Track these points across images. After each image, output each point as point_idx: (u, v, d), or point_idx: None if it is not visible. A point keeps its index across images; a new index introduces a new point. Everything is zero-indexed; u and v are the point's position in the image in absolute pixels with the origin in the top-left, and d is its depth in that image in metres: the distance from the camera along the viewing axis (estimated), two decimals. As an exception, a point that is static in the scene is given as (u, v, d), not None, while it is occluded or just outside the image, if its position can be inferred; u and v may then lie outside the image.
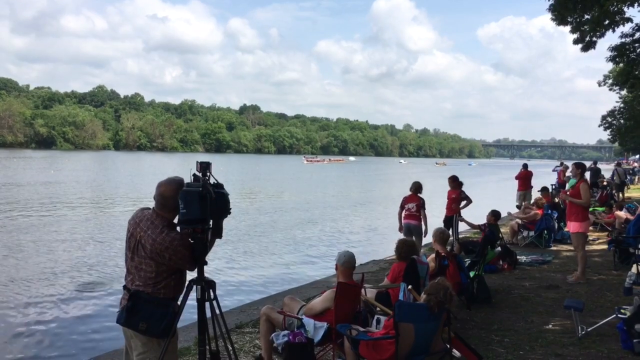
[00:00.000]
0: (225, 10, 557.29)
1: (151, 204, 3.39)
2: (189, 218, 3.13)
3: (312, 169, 71.73)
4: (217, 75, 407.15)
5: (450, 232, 10.66)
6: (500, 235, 10.92)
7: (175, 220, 3.32)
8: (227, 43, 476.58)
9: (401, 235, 9.21)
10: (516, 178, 18.18)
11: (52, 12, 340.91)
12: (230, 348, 3.49)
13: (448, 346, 4.22)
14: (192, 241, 3.24)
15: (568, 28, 14.06)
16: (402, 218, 9.87)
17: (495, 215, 10.69)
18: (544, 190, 15.08)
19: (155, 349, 3.24)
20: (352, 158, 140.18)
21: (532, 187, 17.89)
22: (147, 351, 3.27)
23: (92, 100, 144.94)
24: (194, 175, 3.20)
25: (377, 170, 79.96)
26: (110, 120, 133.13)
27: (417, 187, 9.99)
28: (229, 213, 3.31)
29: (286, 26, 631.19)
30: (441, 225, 9.79)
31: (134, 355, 3.36)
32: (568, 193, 9.15)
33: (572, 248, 10.54)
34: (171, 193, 3.25)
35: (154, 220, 3.25)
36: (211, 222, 3.25)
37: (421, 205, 9.75)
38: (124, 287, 3.37)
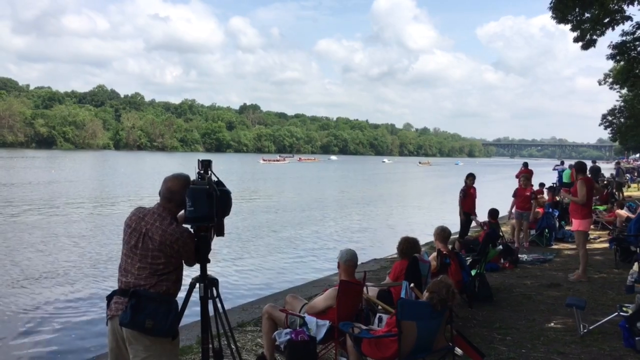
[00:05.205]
0: (227, 9, 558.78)
1: (151, 203, 3.39)
2: (197, 215, 3.14)
3: (267, 170, 60.82)
4: (218, 75, 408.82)
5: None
6: (500, 233, 10.93)
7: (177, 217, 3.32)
8: (228, 42, 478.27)
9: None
10: (517, 177, 18.17)
11: (54, 11, 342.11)
12: (234, 346, 3.49)
13: (450, 344, 4.21)
14: (195, 239, 3.24)
15: (568, 26, 14.08)
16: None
17: (492, 214, 10.68)
18: (550, 189, 15.40)
19: (159, 352, 3.12)
20: (333, 157, 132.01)
21: (532, 185, 17.89)
22: (150, 355, 3.10)
23: (93, 99, 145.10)
24: (199, 173, 3.21)
25: (345, 170, 69.42)
26: (110, 119, 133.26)
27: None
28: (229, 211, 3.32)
29: (287, 25, 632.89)
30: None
31: None
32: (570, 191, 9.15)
33: (573, 246, 10.56)
34: (178, 188, 3.24)
35: (161, 213, 3.23)
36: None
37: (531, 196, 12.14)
38: (117, 291, 3.21)
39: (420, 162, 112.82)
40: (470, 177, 11.59)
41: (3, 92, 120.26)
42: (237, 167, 62.79)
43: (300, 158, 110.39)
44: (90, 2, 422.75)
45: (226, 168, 54.95)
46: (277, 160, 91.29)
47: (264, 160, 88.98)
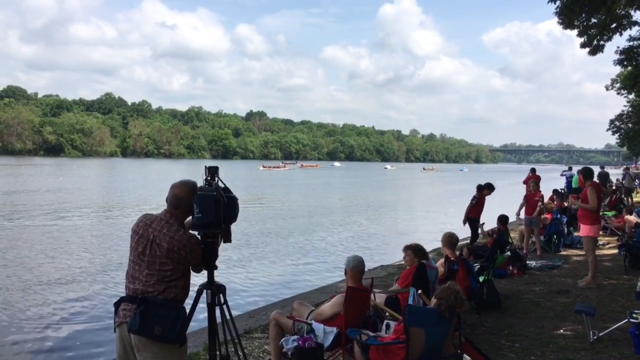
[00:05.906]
0: (233, 17, 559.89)
1: (158, 210, 3.39)
2: (205, 222, 3.14)
3: (266, 177, 59.03)
4: (224, 82, 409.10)
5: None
6: (509, 240, 10.87)
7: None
8: (234, 49, 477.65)
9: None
10: (524, 182, 18.11)
11: (62, 20, 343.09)
12: (241, 353, 3.48)
13: (459, 351, 4.19)
14: (202, 246, 3.24)
15: (575, 32, 14.05)
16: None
17: (502, 220, 10.65)
18: (558, 194, 15.41)
19: (167, 359, 3.12)
20: (336, 164, 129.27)
21: (540, 191, 17.84)
22: None
23: (100, 107, 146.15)
24: (207, 180, 3.22)
25: (347, 177, 67.29)
26: (117, 127, 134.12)
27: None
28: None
29: (294, 32, 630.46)
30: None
31: None
32: (579, 197, 9.10)
33: (582, 252, 10.47)
34: (185, 194, 3.25)
35: (169, 219, 3.24)
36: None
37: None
38: (125, 298, 3.21)
39: (424, 168, 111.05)
40: (490, 188, 11.57)
41: (12, 100, 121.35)
42: (234, 174, 59.49)
43: (302, 164, 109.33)
44: (98, 10, 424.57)
45: (223, 176, 52.42)
46: (278, 167, 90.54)
47: (264, 167, 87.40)
